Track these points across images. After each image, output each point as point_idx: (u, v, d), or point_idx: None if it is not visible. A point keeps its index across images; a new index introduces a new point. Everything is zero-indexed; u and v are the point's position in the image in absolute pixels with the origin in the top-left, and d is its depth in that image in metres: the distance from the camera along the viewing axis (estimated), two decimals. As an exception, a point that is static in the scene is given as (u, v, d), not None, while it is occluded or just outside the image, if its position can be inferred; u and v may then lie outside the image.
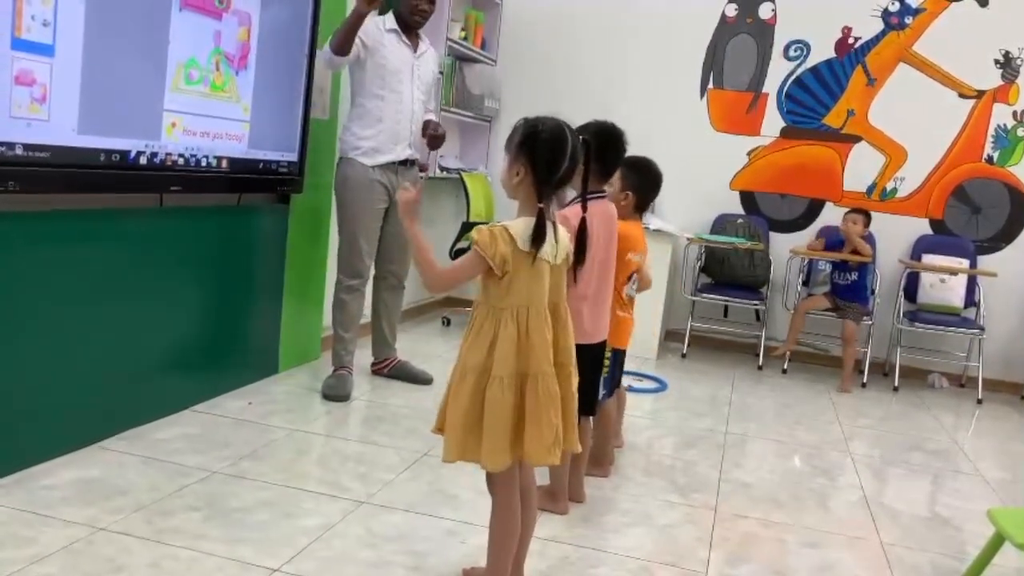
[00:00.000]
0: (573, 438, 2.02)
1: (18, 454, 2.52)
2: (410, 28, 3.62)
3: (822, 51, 5.34)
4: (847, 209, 5.12)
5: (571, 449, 2.03)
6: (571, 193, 2.34)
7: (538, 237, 1.88)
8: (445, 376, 2.05)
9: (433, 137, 3.71)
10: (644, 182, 2.95)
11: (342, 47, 3.38)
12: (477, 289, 1.98)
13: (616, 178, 2.89)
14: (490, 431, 1.89)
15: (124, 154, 2.73)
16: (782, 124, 5.43)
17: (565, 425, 1.98)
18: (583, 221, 2.08)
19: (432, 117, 3.82)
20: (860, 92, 5.31)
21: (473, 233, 1.89)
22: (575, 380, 2.03)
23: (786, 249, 5.34)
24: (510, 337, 1.89)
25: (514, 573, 2.09)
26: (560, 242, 1.98)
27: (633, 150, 2.78)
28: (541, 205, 1.89)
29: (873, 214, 5.21)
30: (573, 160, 1.92)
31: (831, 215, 5.26)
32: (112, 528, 2.24)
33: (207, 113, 3.06)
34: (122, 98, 2.69)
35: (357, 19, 3.33)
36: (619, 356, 2.97)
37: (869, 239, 5.07)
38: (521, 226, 1.90)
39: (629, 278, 2.92)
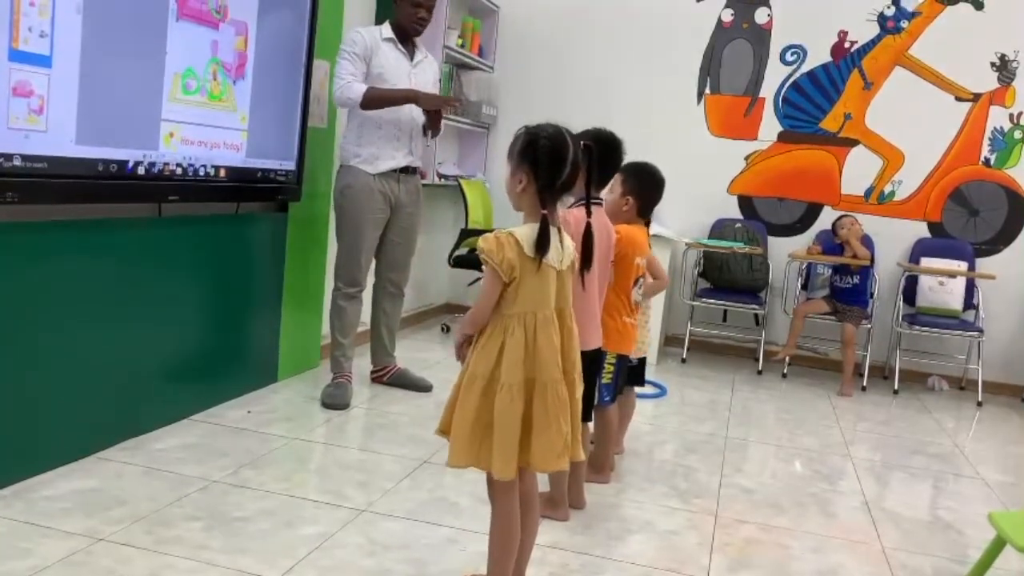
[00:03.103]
0: (578, 447, 2.02)
1: (17, 465, 2.51)
2: (407, 37, 3.63)
3: (818, 55, 5.35)
4: (838, 215, 5.14)
5: (576, 458, 2.02)
6: (569, 199, 2.34)
7: (542, 244, 1.88)
8: (444, 383, 2.05)
9: (429, 115, 3.55)
10: (644, 186, 2.95)
11: (372, 107, 3.46)
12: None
13: (616, 184, 2.90)
14: (500, 440, 1.89)
15: (122, 164, 2.73)
16: (779, 128, 5.44)
17: (570, 433, 1.98)
18: (588, 226, 2.07)
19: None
20: (857, 96, 5.32)
21: (479, 242, 1.89)
22: (580, 388, 2.03)
23: (785, 253, 5.35)
24: (518, 344, 1.89)
25: (515, 580, 2.08)
26: (566, 248, 1.99)
27: (631, 156, 2.79)
28: (545, 212, 1.90)
29: (871, 217, 5.23)
30: (575, 166, 1.92)
31: (829, 219, 5.26)
32: (112, 539, 2.24)
33: (205, 122, 3.06)
34: (120, 108, 2.70)
35: (404, 100, 3.47)
36: (623, 362, 2.96)
37: (868, 242, 5.07)
38: (527, 232, 1.91)
39: (635, 283, 2.92)
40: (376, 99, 3.44)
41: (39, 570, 2.04)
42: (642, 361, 3.24)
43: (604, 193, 2.79)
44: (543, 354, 1.90)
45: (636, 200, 2.93)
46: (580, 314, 2.40)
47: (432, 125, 3.64)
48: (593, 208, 2.23)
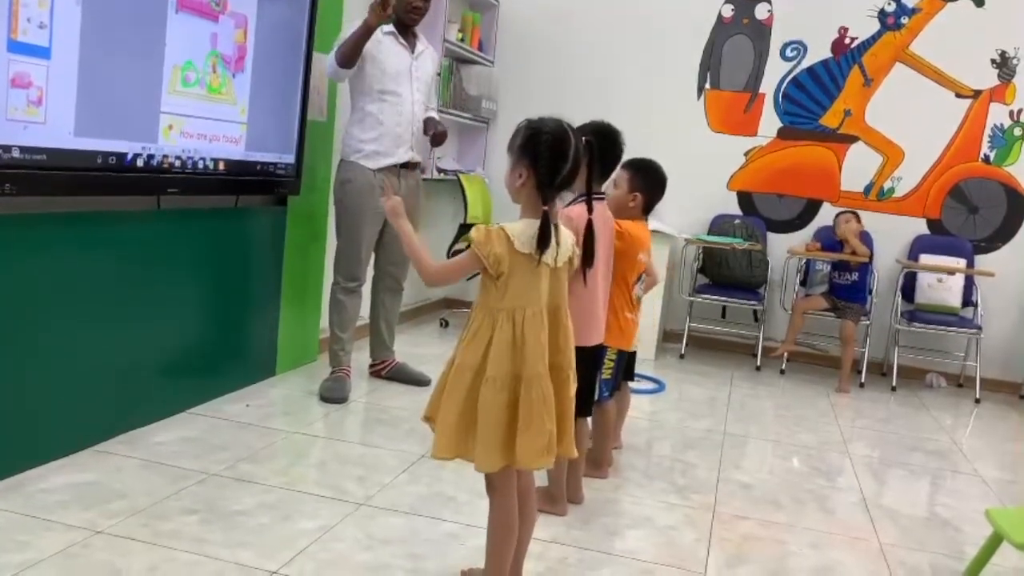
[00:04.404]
0: (570, 444, 2.01)
1: (14, 458, 2.51)
2: (407, 28, 3.62)
3: (819, 51, 5.35)
4: (837, 211, 5.14)
5: (568, 455, 2.02)
6: (569, 194, 2.34)
7: (543, 241, 1.88)
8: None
9: (436, 135, 3.71)
10: (651, 184, 2.96)
11: (349, 60, 3.39)
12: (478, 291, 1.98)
13: (624, 179, 2.90)
14: (483, 432, 1.89)
15: (121, 156, 2.72)
16: (779, 124, 5.43)
17: (562, 430, 1.97)
18: (589, 223, 2.06)
19: (433, 115, 3.81)
20: (857, 92, 5.31)
21: (472, 232, 1.89)
22: (573, 385, 2.02)
23: (784, 249, 5.35)
24: (505, 339, 1.89)
25: (513, 575, 2.08)
26: (562, 245, 1.97)
27: (631, 151, 2.78)
28: (545, 208, 1.89)
29: (870, 214, 5.23)
30: (575, 162, 1.91)
31: (829, 215, 5.26)
32: (110, 532, 2.23)
33: (204, 115, 3.05)
34: (119, 100, 2.68)
35: (366, 32, 3.35)
36: (623, 358, 2.96)
37: (867, 239, 5.07)
38: (520, 227, 1.90)
39: (638, 279, 2.92)
40: (346, 50, 3.38)
41: (36, 563, 2.04)
42: (632, 355, 3.25)
43: (606, 187, 2.78)
44: (529, 350, 1.90)
45: (643, 196, 2.93)
46: (582, 310, 2.41)
47: (437, 144, 3.80)
48: (595, 203, 2.22)
